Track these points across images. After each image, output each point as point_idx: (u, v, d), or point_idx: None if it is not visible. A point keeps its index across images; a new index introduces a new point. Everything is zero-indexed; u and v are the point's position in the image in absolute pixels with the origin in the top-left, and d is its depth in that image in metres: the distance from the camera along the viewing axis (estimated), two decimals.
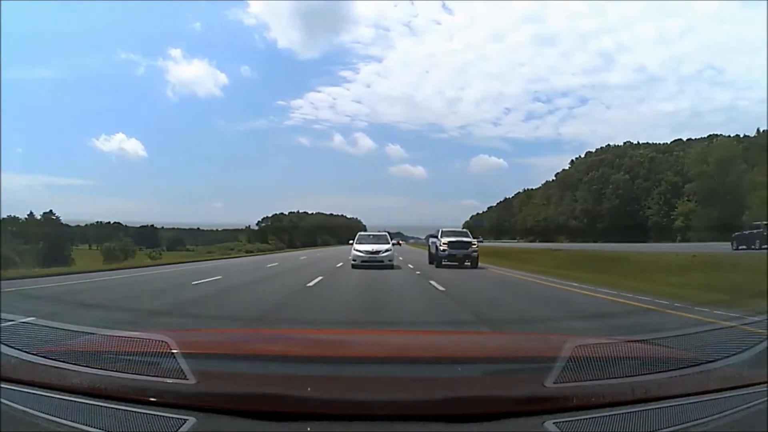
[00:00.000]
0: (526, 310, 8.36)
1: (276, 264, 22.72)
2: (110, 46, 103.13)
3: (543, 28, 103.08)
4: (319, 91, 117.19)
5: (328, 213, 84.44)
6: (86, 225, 30.49)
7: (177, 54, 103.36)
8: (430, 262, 20.37)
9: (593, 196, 55.12)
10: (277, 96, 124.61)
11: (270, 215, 72.87)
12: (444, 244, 18.84)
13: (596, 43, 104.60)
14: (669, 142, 58.52)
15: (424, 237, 23.23)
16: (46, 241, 25.09)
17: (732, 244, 24.89)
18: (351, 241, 20.20)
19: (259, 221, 67.82)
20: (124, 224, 36.44)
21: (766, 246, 21.12)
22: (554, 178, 66.96)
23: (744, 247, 23.25)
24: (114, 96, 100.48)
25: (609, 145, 61.09)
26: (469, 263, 19.02)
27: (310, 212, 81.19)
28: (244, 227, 61.71)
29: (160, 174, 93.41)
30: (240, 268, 19.71)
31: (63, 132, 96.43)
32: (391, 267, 17.45)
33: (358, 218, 74.23)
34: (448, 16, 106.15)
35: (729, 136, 45.29)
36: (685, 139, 57.28)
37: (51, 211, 26.26)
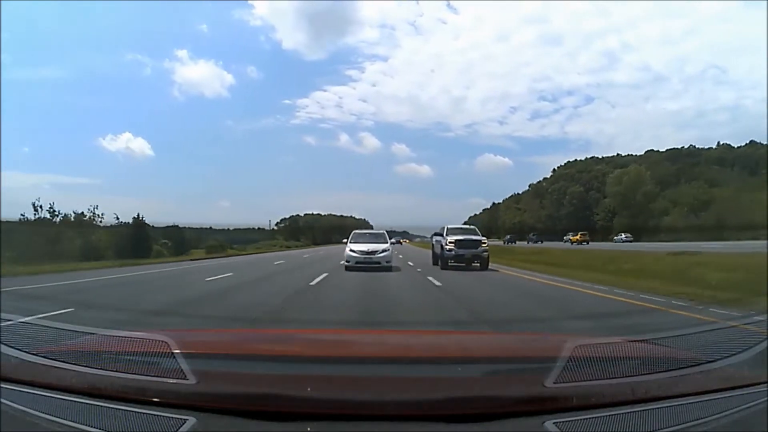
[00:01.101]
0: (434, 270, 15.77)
1: (334, 248, 38.18)
2: (117, 47, 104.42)
3: (548, 27, 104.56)
4: (325, 90, 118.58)
5: (338, 214, 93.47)
6: (112, 225, 33.82)
7: (183, 55, 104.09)
8: (435, 263, 18.27)
9: (554, 204, 69.67)
10: (284, 95, 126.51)
11: (287, 216, 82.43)
12: (450, 243, 16.73)
13: (601, 43, 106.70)
14: (641, 153, 70.87)
15: (430, 236, 21.37)
16: (173, 239, 34.48)
17: (527, 242, 52.44)
18: (345, 240, 17.96)
19: (278, 222, 76.69)
20: (150, 224, 40.56)
21: (538, 242, 49.97)
22: (528, 188, 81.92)
23: (532, 243, 49.92)
24: (121, 96, 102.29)
25: (576, 159, 76.03)
26: (478, 264, 16.74)
27: (323, 214, 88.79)
28: (257, 227, 68.60)
29: (167, 173, 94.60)
30: (306, 254, 30.71)
31: (70, 131, 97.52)
32: (389, 269, 15.82)
33: (366, 219, 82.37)
34: (454, 16, 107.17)
35: (640, 165, 60.37)
36: (655, 149, 70.51)
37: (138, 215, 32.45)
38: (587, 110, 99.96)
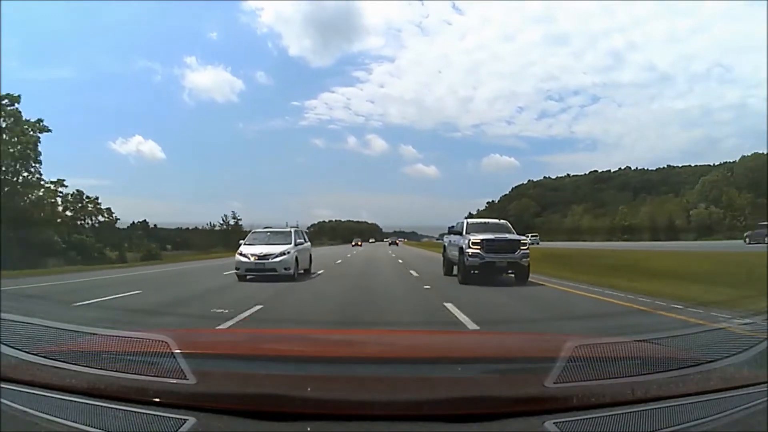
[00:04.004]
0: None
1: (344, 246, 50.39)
2: (128, 53, 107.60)
3: (554, 27, 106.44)
4: (332, 91, 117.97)
5: (355, 220, 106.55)
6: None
7: (192, 61, 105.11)
8: (447, 273, 13.70)
9: (501, 216, 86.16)
10: (292, 98, 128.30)
11: (316, 222, 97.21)
12: (474, 244, 11.69)
13: (607, 43, 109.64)
14: (587, 174, 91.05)
15: (437, 235, 18.25)
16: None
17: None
18: (299, 241, 14.13)
19: (308, 227, 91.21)
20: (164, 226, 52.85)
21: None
22: (487, 206, 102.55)
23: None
24: (132, 101, 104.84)
25: (522, 183, 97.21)
26: (513, 273, 11.82)
27: (342, 220, 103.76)
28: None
29: (177, 175, 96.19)
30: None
31: (79, 134, 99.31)
32: (291, 278, 12.33)
33: (377, 223, 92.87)
34: (459, 17, 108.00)
35: (531, 199, 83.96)
36: (587, 172, 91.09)
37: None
38: (593, 110, 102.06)
